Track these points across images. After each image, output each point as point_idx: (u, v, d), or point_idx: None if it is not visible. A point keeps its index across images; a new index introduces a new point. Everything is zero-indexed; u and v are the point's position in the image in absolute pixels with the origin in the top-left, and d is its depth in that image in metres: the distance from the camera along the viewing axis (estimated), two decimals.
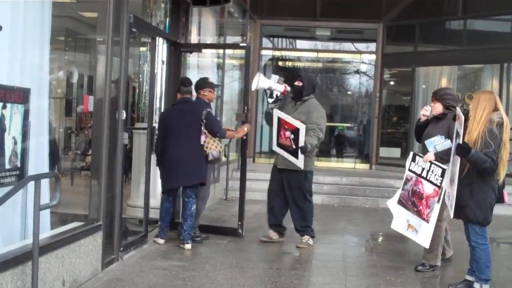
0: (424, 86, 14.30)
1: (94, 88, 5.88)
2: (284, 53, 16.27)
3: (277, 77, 7.10)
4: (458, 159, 5.19)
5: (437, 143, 5.87)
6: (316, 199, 9.17)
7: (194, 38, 9.08)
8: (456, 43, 13.48)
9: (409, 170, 6.07)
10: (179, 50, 7.76)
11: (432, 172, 5.83)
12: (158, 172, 7.01)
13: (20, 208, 4.57)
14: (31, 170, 4.55)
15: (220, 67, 11.59)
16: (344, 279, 5.81)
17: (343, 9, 13.89)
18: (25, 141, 4.52)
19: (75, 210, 6.14)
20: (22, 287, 4.09)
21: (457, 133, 5.29)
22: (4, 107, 4.23)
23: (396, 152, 14.55)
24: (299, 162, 6.74)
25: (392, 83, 15.70)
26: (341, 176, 12.30)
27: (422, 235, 5.92)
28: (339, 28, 14.93)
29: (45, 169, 4.91)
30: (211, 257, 6.46)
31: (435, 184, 5.79)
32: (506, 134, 5.20)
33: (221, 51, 11.48)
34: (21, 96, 4.46)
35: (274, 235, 7.29)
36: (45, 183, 4.61)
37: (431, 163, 5.83)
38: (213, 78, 10.98)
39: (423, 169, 5.92)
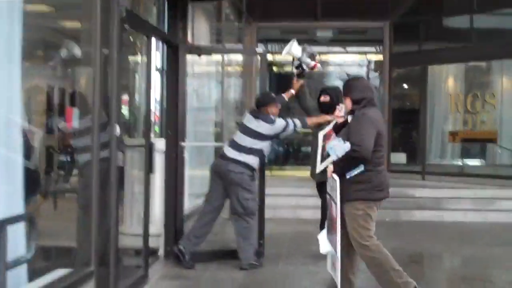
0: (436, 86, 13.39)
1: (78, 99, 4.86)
2: (282, 57, 15.20)
3: (311, 51, 6.60)
4: None
5: (336, 147, 4.68)
6: None
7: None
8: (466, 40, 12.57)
9: (327, 193, 5.05)
10: (180, 53, 6.66)
11: (332, 187, 4.80)
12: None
13: None
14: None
15: (219, 73, 10.63)
16: None
17: (346, 8, 12.86)
18: None
19: (60, 241, 5.18)
20: None
21: None
22: None
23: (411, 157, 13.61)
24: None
25: (402, 84, 14.78)
26: None
27: (337, 271, 4.73)
28: (342, 28, 13.98)
29: (19, 207, 3.79)
30: None
31: (335, 202, 4.72)
32: None
33: (218, 56, 10.54)
34: None
35: None
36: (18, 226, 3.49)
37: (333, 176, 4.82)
38: (212, 85, 10.10)
39: (331, 187, 4.87)
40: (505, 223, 9.53)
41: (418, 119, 13.21)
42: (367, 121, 4.77)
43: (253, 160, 6.32)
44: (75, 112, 5.23)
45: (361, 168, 4.74)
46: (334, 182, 4.73)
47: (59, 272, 4.17)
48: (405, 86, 15.10)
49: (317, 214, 9.46)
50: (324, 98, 6.64)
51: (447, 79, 13.48)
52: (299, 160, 14.15)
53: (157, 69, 8.40)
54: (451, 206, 10.26)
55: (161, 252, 6.63)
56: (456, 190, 10.73)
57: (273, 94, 6.71)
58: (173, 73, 6.67)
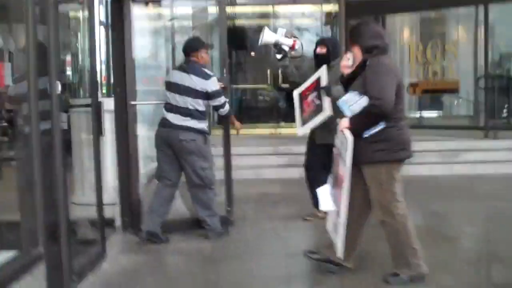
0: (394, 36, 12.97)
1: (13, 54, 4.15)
2: (234, 9, 14.43)
3: (284, 30, 6.08)
4: None
5: (351, 102, 4.16)
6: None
7: None
8: None
9: (335, 146, 4.43)
10: (125, 3, 5.91)
11: (342, 144, 4.20)
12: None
13: None
14: None
15: (167, 28, 9.91)
16: None
17: None
18: None
19: (6, 215, 4.53)
20: None
21: None
22: None
23: None
24: (325, 111, 5.26)
25: None
26: None
27: (338, 236, 4.22)
28: None
29: None
30: (193, 273, 4.87)
31: (344, 161, 4.15)
32: None
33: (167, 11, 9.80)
34: None
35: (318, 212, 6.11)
36: None
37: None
38: (161, 42, 9.42)
39: (341, 142, 4.25)
40: (471, 175, 9.28)
41: None
42: (386, 70, 4.16)
43: (202, 124, 5.68)
44: (6, 67, 4.48)
45: (381, 125, 4.14)
46: (346, 141, 4.09)
47: (2, 256, 3.53)
48: None
49: (280, 174, 9.13)
50: (321, 50, 6.08)
51: (405, 29, 13.07)
52: (255, 118, 13.57)
53: (101, 24, 7.69)
54: (416, 159, 9.88)
55: (118, 222, 6.02)
56: (419, 143, 10.37)
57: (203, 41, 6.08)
58: (118, 23, 5.94)
